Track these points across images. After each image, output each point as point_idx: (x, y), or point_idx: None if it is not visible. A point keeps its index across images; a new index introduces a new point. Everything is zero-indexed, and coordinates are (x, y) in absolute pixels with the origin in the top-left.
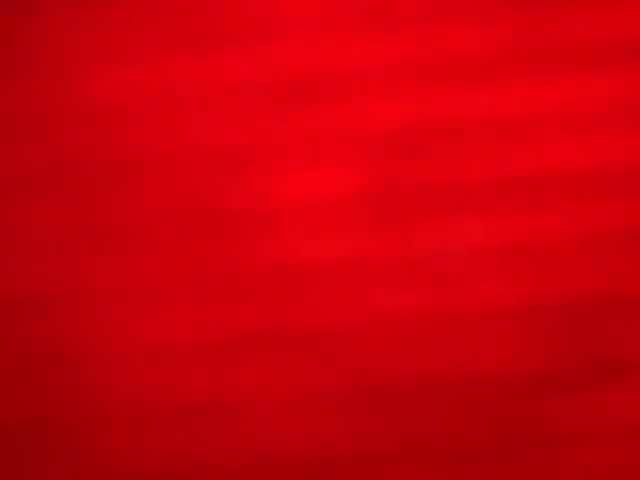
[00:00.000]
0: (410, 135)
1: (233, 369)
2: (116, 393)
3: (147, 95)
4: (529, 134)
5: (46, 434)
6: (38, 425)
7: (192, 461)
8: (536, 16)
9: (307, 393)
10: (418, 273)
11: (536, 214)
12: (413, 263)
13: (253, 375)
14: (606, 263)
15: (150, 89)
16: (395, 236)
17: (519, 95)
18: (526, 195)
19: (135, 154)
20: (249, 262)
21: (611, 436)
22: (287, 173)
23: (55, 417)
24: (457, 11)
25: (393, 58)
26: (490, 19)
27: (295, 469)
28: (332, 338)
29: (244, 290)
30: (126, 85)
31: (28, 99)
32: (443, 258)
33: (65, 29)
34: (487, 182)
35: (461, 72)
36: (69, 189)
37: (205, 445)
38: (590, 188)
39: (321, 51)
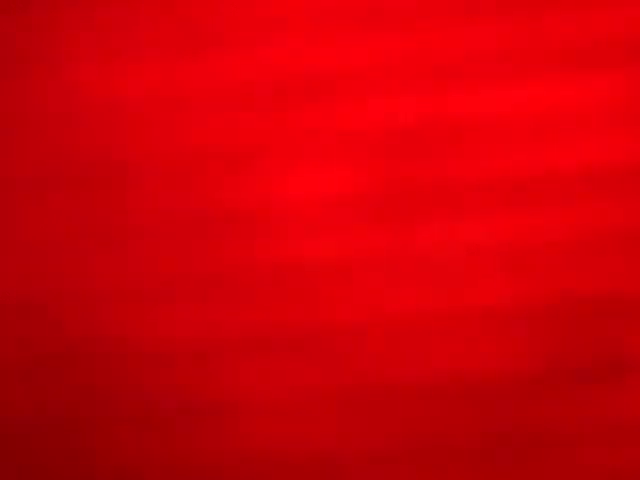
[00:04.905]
0: (410, 135)
1: (233, 369)
2: (116, 393)
3: (147, 95)
4: (529, 134)
5: (47, 434)
6: (39, 425)
7: (192, 461)
8: (536, 16)
9: (307, 393)
10: (418, 273)
11: (536, 214)
12: (413, 263)
13: (253, 375)
14: (606, 263)
15: (150, 89)
16: (395, 236)
17: (519, 95)
18: (526, 195)
19: (135, 154)
20: (249, 262)
21: (611, 436)
22: (287, 173)
23: (55, 417)
24: (457, 11)
25: (393, 58)
26: (490, 19)
27: (295, 469)
28: (332, 338)
29: (244, 290)
30: (126, 85)
31: (27, 99)
32: (443, 258)
33: (64, 29)
34: (487, 182)
35: (461, 72)
36: (68, 189)
37: (205, 445)
38: (590, 188)
39: (321, 51)
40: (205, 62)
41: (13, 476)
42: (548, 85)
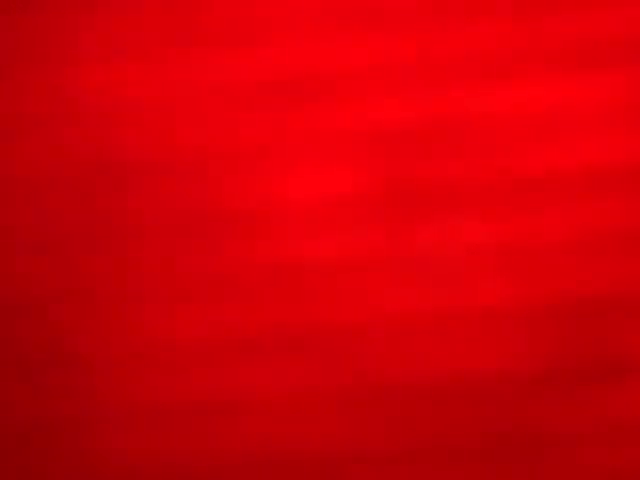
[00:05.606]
0: (410, 135)
1: (233, 369)
2: (116, 393)
3: (147, 95)
4: (529, 134)
5: (46, 434)
6: (38, 425)
7: (192, 460)
8: (536, 16)
9: (307, 393)
10: (418, 273)
11: (536, 214)
12: (413, 263)
13: (253, 375)
14: (606, 263)
15: (149, 89)
16: (395, 236)
17: (519, 95)
18: (526, 195)
19: (135, 154)
20: (249, 262)
21: (611, 436)
22: (287, 173)
23: (55, 417)
24: (457, 11)
25: (393, 58)
26: (490, 19)
27: (295, 469)
28: (332, 338)
29: (244, 290)
30: (125, 85)
31: (27, 99)
32: (443, 258)
33: (63, 29)
34: (487, 182)
35: (461, 72)
36: (68, 189)
37: (205, 445)
38: (590, 188)
39: (321, 51)
40: (205, 62)
41: (13, 476)
42: (548, 85)
